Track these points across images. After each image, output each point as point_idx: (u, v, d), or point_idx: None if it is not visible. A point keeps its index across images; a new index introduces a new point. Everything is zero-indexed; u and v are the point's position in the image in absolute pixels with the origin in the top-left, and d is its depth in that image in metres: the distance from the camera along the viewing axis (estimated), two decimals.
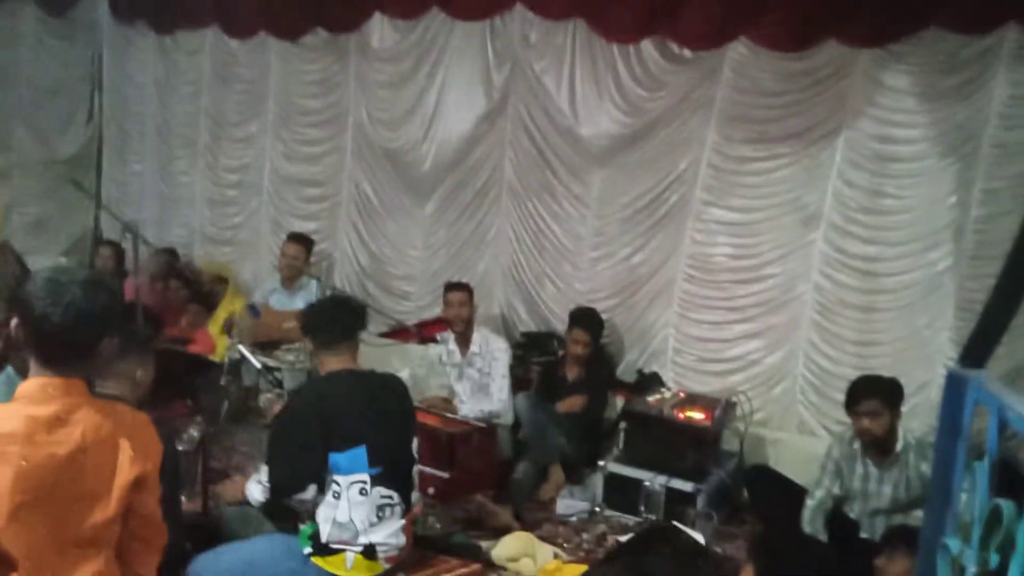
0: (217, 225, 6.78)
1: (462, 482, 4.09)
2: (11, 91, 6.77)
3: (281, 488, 2.88)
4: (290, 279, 5.55)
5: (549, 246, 5.42)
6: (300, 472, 2.84)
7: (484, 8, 5.40)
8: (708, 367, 4.85)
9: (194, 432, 3.94)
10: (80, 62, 7.19)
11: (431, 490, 3.96)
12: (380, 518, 2.84)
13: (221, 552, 2.92)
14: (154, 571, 1.97)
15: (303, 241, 5.66)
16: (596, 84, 5.10)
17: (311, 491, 2.85)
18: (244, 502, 3.05)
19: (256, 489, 2.92)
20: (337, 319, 3.04)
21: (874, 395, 3.51)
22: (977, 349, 1.62)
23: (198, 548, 2.96)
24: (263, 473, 2.90)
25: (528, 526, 3.92)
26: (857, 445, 3.63)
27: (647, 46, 4.90)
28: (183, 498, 3.27)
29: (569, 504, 4.16)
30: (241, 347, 4.08)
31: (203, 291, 5.98)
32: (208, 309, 5.83)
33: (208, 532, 3.24)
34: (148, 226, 6.74)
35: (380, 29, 5.87)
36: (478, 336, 4.76)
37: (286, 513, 3.09)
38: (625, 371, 5.08)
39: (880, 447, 3.57)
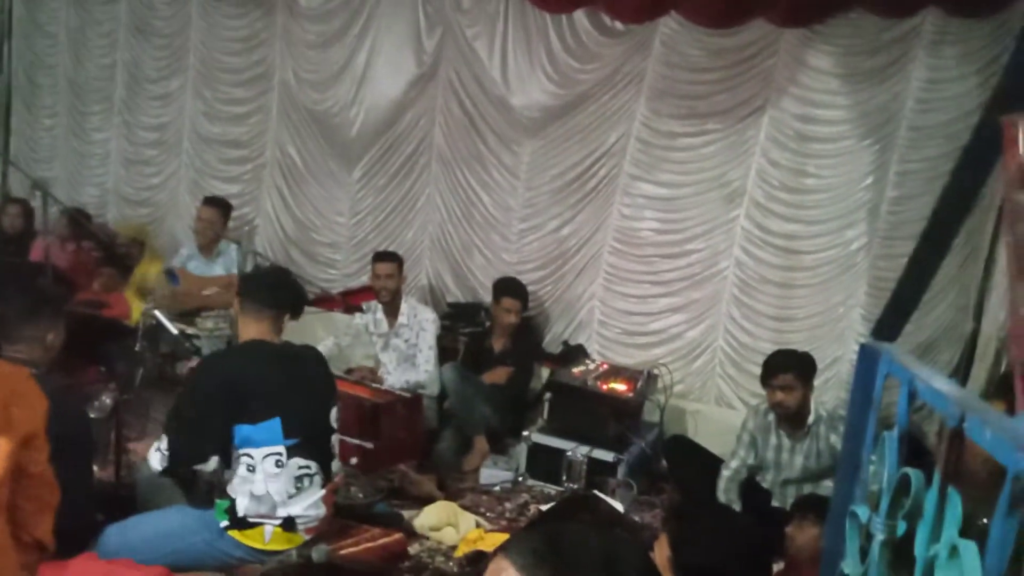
0: (133, 185, 6.52)
1: (386, 452, 4.06)
2: None
3: (180, 458, 2.80)
4: (206, 245, 5.37)
5: (478, 216, 5.39)
6: (201, 442, 2.77)
7: None
8: (631, 340, 4.94)
9: (107, 399, 3.82)
10: None
11: (354, 460, 3.92)
12: (299, 489, 2.80)
13: (133, 522, 2.83)
14: (49, 532, 1.91)
15: (219, 204, 5.47)
16: (528, 54, 5.07)
17: (212, 462, 2.80)
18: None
19: (155, 457, 2.81)
20: (273, 289, 2.97)
21: (788, 369, 3.63)
22: (889, 324, 1.67)
23: (111, 518, 2.87)
24: (164, 441, 2.80)
25: (451, 496, 3.93)
26: (771, 417, 3.75)
27: (580, 17, 4.89)
28: (95, 467, 3.16)
29: (492, 474, 4.19)
30: (157, 312, 3.94)
31: (118, 253, 5.74)
32: (123, 272, 5.61)
33: (121, 502, 3.14)
34: (59, 185, 6.45)
35: None
36: (406, 307, 4.71)
37: (199, 487, 3.02)
38: (551, 343, 5.12)
39: (793, 420, 3.69)
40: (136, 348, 4.23)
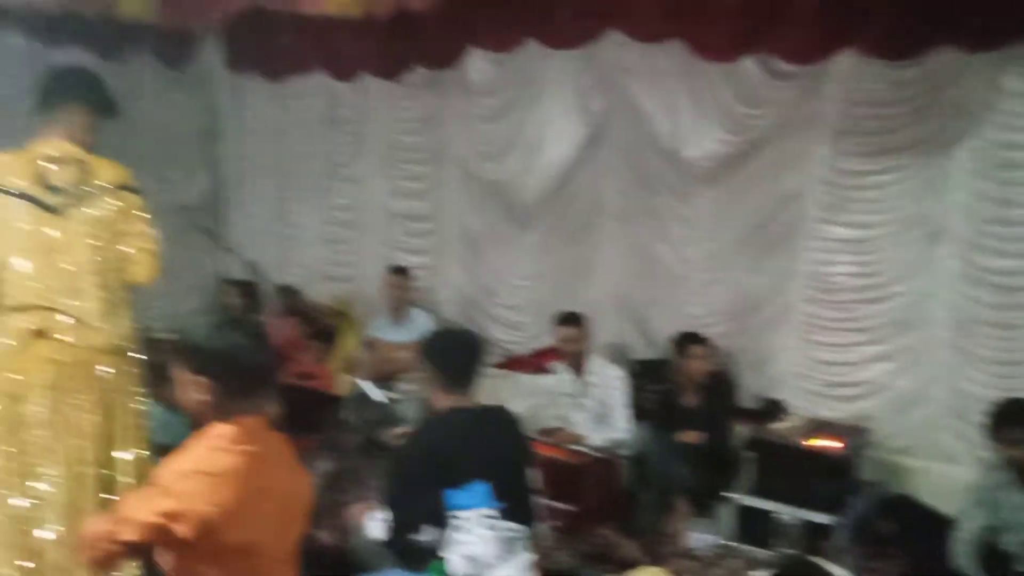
0: (332, 263, 7.00)
1: (585, 514, 4.06)
2: (138, 142, 7.14)
3: (401, 530, 2.89)
4: (395, 310, 5.65)
5: (659, 271, 5.36)
6: (417, 514, 2.84)
7: (579, 36, 5.40)
8: (836, 391, 4.69)
9: (323, 466, 4.08)
10: (199, 112, 7.57)
11: (554, 523, 3.94)
12: (508, 552, 2.84)
13: None
14: None
15: (402, 273, 5.77)
16: (698, 104, 5.04)
17: (428, 533, 2.87)
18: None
19: (377, 528, 2.94)
20: (457, 358, 2.98)
21: (1021, 421, 3.32)
22: None
23: None
24: (383, 512, 2.92)
25: (655, 560, 3.86)
26: (1008, 473, 3.42)
27: (747, 63, 4.82)
28: (319, 531, 3.36)
29: (699, 538, 4.07)
30: (361, 382, 4.19)
31: (323, 327, 6.16)
32: (329, 344, 6.00)
33: (344, 563, 3.32)
34: (268, 266, 7.04)
35: (477, 64, 5.95)
36: (593, 365, 4.74)
37: (415, 553, 3.12)
38: (745, 398, 4.96)
39: None
40: (346, 417, 4.51)
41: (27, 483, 2.71)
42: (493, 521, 2.80)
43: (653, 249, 5.37)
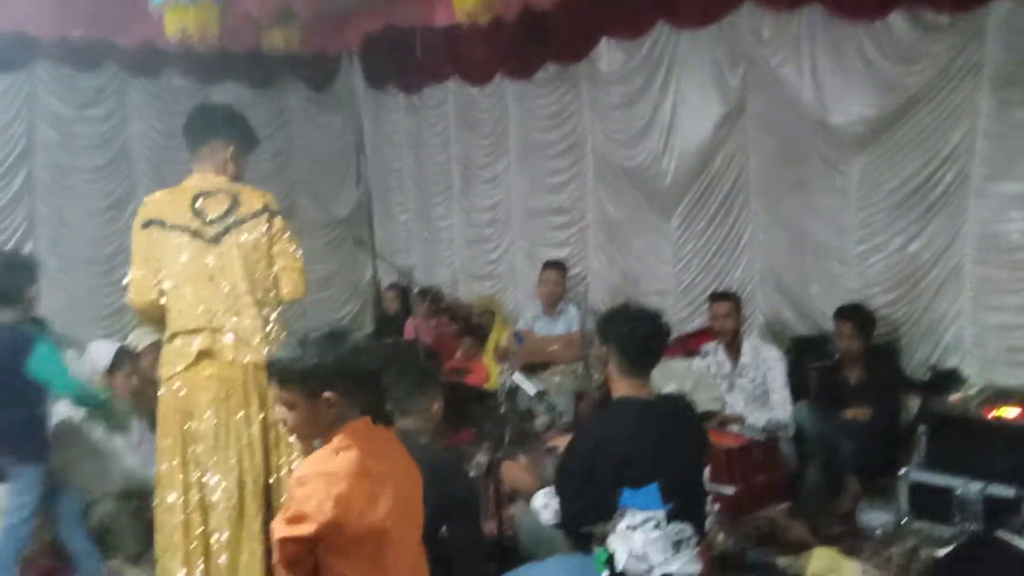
0: (476, 262, 7.18)
1: (747, 497, 3.97)
2: (290, 163, 7.63)
3: (571, 520, 2.89)
4: (551, 305, 5.74)
5: (810, 244, 5.16)
6: (587, 508, 2.82)
7: (710, 13, 5.29)
8: (1014, 357, 4.34)
9: (482, 458, 4.18)
10: (344, 131, 7.98)
11: (716, 506, 3.87)
12: (676, 551, 2.78)
13: (523, 572, 3.03)
14: None
15: (559, 267, 5.85)
16: (842, 68, 4.81)
17: (595, 524, 2.84)
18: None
19: (547, 512, 2.96)
20: (642, 340, 2.82)
21: None
22: None
23: (499, 569, 3.11)
24: (552, 497, 2.93)
25: (826, 541, 3.71)
26: None
27: (895, 19, 4.54)
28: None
29: (871, 517, 3.88)
30: (515, 375, 4.27)
31: (473, 324, 6.33)
32: (480, 341, 6.17)
33: (505, 553, 3.39)
34: (417, 270, 7.31)
35: (607, 53, 5.95)
36: (748, 345, 4.62)
37: (584, 538, 3.14)
38: (914, 369, 4.68)
39: None
40: (501, 410, 4.61)
41: (197, 491, 2.92)
42: (661, 523, 2.73)
43: (803, 222, 5.17)
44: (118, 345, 4.28)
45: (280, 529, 1.94)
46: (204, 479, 2.91)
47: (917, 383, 4.56)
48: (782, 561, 3.51)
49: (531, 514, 3.34)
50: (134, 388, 4.15)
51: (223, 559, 2.88)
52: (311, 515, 1.90)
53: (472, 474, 3.90)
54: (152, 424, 4.48)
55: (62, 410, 4.18)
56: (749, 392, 4.54)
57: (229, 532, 2.89)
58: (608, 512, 2.79)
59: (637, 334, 2.83)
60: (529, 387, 4.33)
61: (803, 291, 5.23)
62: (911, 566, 3.50)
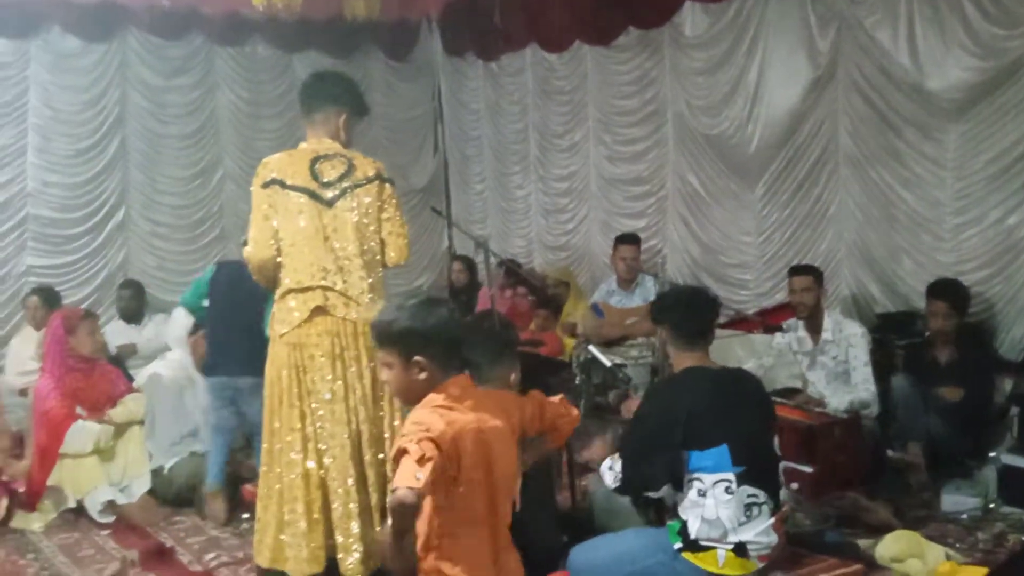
0: (552, 232, 7.15)
1: (827, 477, 3.87)
2: (369, 132, 7.72)
3: (633, 483, 2.93)
4: (627, 280, 5.67)
5: (901, 216, 4.96)
6: (651, 471, 2.86)
7: None
8: None
9: None
10: (422, 99, 8.02)
11: (794, 485, 3.79)
12: (748, 517, 2.77)
13: (596, 543, 3.03)
14: None
15: (634, 240, 5.77)
16: (941, 31, 4.58)
17: (664, 490, 2.87)
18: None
19: (609, 476, 2.99)
20: (692, 315, 2.98)
21: None
22: None
23: (572, 539, 3.11)
24: (616, 461, 2.95)
25: (910, 524, 3.59)
26: None
27: None
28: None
29: (957, 500, 3.74)
30: (591, 347, 4.24)
31: (548, 295, 6.32)
32: (554, 312, 6.15)
33: (579, 523, 3.40)
34: (492, 240, 7.31)
35: (691, 17, 5.81)
36: (829, 321, 4.46)
37: (651, 505, 3.13)
38: (1008, 349, 4.46)
39: None
40: (576, 381, 4.60)
41: (314, 444, 3.01)
42: (732, 485, 2.74)
43: (894, 193, 4.97)
44: None
45: (410, 434, 1.97)
46: (322, 432, 3.01)
47: (1011, 364, 4.35)
48: (862, 543, 3.42)
49: (604, 485, 3.35)
50: None
51: (341, 509, 2.99)
52: (433, 426, 1.97)
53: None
54: None
55: (150, 366, 4.39)
56: (831, 370, 4.40)
57: (349, 482, 2.99)
58: (675, 479, 2.81)
59: (683, 307, 3.00)
60: (605, 359, 4.30)
61: (892, 265, 5.04)
62: (998, 552, 3.37)
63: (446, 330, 2.11)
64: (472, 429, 2.05)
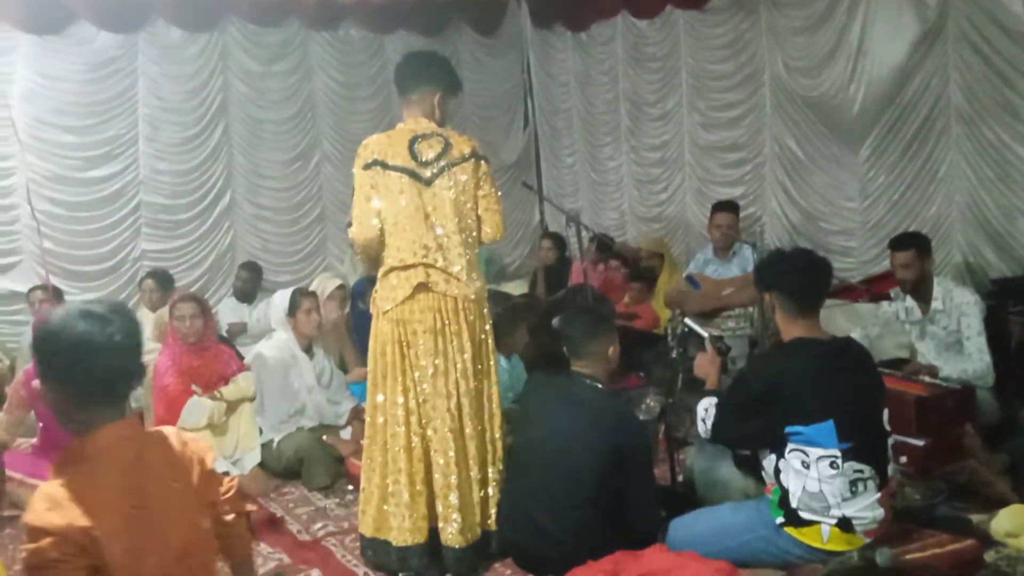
0: (645, 204, 7.05)
1: (938, 450, 3.69)
2: (460, 109, 7.77)
3: (720, 440, 2.99)
4: (724, 248, 5.54)
5: (1018, 175, 4.67)
6: (741, 435, 2.88)
7: None
8: None
9: (651, 402, 4.15)
10: (511, 74, 7.99)
11: (903, 459, 3.65)
12: (853, 493, 2.70)
13: (697, 517, 3.02)
14: None
15: (731, 208, 5.59)
16: None
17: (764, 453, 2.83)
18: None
19: (701, 423, 3.00)
20: (806, 281, 2.84)
21: None
22: None
23: (670, 514, 3.09)
24: (712, 408, 2.94)
25: None
26: None
27: None
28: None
29: None
30: (687, 319, 4.17)
31: (642, 268, 6.24)
32: (649, 285, 6.07)
33: (678, 497, 3.37)
34: (584, 213, 7.28)
35: None
36: (939, 289, 4.23)
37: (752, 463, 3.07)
38: None
39: None
40: (672, 354, 4.54)
41: (418, 417, 3.09)
42: (838, 461, 2.68)
43: (1010, 150, 4.69)
44: (293, 289, 4.54)
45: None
46: (425, 405, 3.09)
47: None
48: (975, 518, 3.27)
49: (703, 459, 3.31)
50: (316, 324, 4.41)
51: (442, 480, 3.07)
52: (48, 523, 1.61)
53: (642, 418, 3.88)
54: (339, 363, 4.82)
55: (256, 346, 4.56)
56: (941, 340, 4.19)
57: (450, 453, 3.07)
58: (774, 444, 2.77)
59: (796, 271, 2.85)
60: (701, 331, 4.22)
61: (1008, 227, 4.76)
62: None
63: (83, 356, 1.72)
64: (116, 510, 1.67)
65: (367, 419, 3.22)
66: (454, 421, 3.09)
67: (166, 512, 1.77)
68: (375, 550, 3.15)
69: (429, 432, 3.09)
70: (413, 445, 3.08)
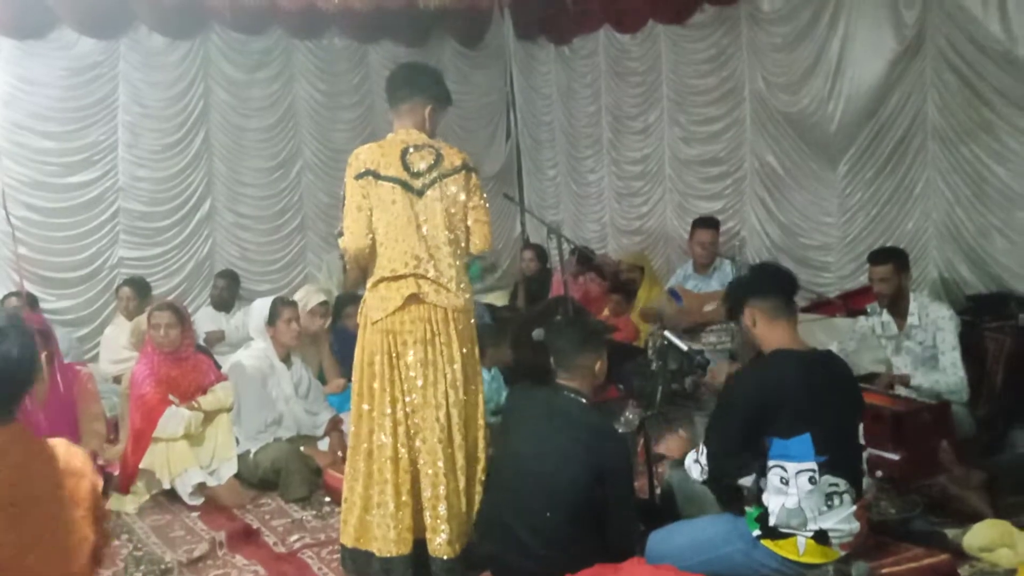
0: (626, 217, 7.08)
1: (914, 464, 3.72)
2: (442, 120, 7.78)
3: (719, 472, 2.89)
4: (704, 265, 5.57)
5: (993, 193, 4.74)
6: (737, 457, 2.82)
7: None
8: None
9: (630, 415, 4.15)
10: (494, 86, 8.02)
11: (879, 473, 3.67)
12: (829, 506, 2.71)
13: (673, 530, 3.02)
14: None
15: (712, 224, 5.62)
16: None
17: (748, 479, 2.83)
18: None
19: (695, 468, 2.95)
20: (770, 280, 2.94)
21: None
22: None
23: (649, 527, 3.09)
24: (701, 453, 2.92)
25: (1004, 513, 3.44)
26: None
27: None
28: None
29: None
30: (667, 332, 4.18)
31: (622, 280, 6.26)
32: (628, 297, 6.09)
33: (657, 511, 3.37)
34: (565, 225, 7.30)
35: None
36: (915, 304, 4.28)
37: (732, 494, 3.08)
38: None
39: None
40: (652, 367, 4.54)
41: (405, 428, 3.08)
42: (815, 475, 2.68)
43: (986, 168, 4.76)
44: (273, 297, 4.52)
45: None
46: (414, 415, 3.08)
47: None
48: (950, 532, 3.29)
49: (681, 472, 3.31)
50: (295, 333, 4.39)
51: (430, 491, 3.06)
52: None
53: (621, 430, 3.88)
54: (318, 373, 4.79)
55: (234, 355, 4.52)
56: (917, 355, 4.23)
57: (439, 464, 3.06)
58: (758, 466, 2.77)
59: (763, 273, 3.07)
60: (681, 344, 4.23)
61: (984, 244, 4.83)
62: None
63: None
64: None
65: (352, 428, 3.20)
66: (443, 431, 3.08)
67: (46, 516, 1.85)
68: (356, 561, 3.14)
69: (418, 443, 3.08)
70: (400, 456, 3.07)
